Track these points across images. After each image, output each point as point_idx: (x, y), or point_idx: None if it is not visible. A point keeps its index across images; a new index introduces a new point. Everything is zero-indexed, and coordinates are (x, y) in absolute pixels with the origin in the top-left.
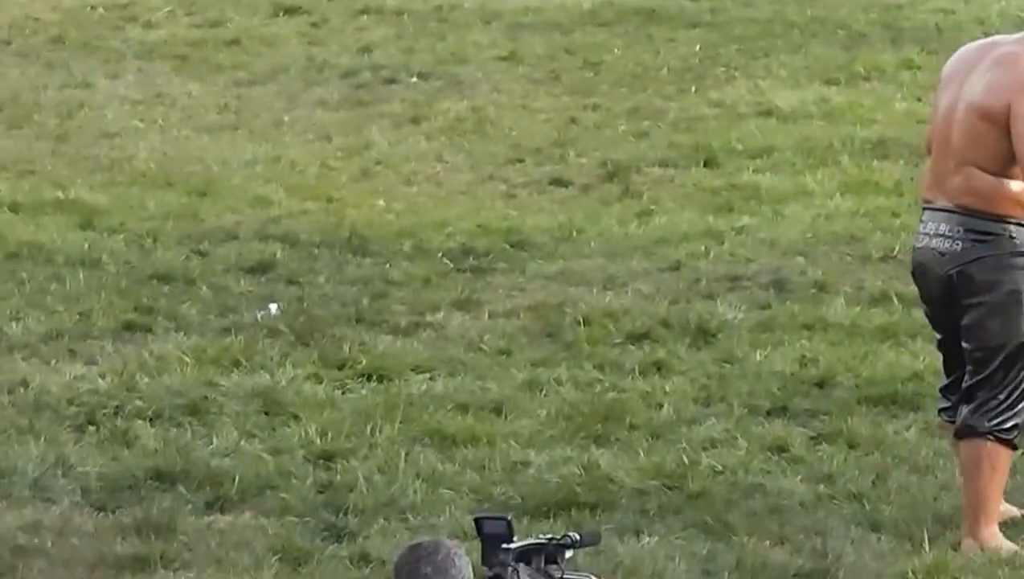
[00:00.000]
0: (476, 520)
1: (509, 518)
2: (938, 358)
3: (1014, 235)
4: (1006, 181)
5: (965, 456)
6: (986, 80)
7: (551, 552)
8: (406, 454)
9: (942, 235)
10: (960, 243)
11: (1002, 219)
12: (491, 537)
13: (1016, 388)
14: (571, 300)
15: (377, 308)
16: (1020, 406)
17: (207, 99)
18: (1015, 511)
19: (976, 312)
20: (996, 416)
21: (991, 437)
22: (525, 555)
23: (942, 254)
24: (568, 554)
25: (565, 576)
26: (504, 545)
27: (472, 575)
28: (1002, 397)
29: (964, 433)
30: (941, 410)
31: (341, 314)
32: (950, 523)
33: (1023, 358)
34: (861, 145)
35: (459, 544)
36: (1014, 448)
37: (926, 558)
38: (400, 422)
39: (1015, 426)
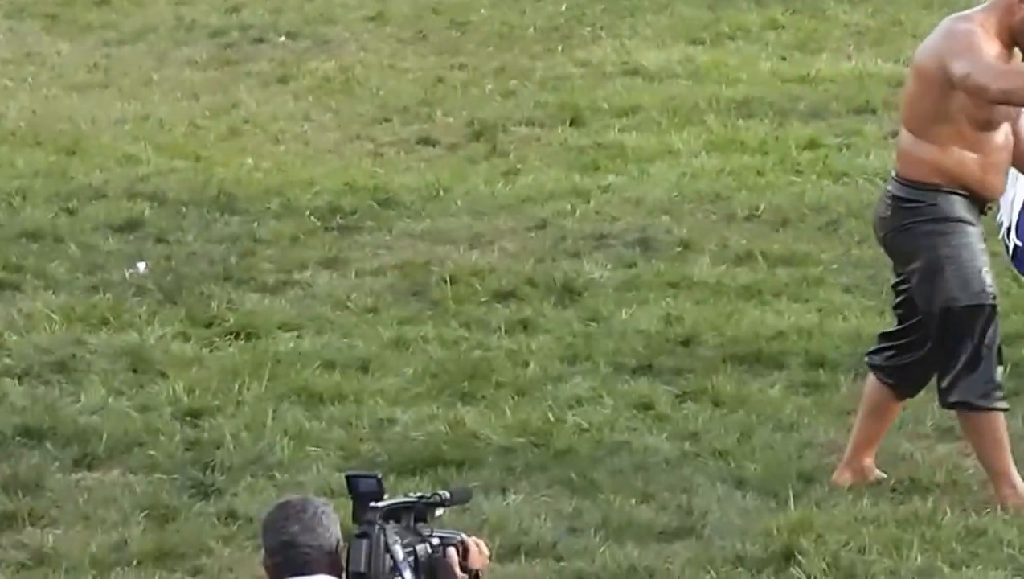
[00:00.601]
0: (347, 478)
1: (379, 476)
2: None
3: (934, 202)
4: (927, 145)
5: (963, 428)
6: (927, 43)
7: (420, 510)
8: (273, 412)
9: (882, 199)
10: (889, 209)
11: (923, 186)
12: (361, 495)
13: (973, 352)
14: (438, 258)
15: (245, 266)
16: (983, 369)
17: (77, 58)
18: (880, 474)
19: (911, 279)
20: (975, 386)
21: (979, 409)
22: (395, 513)
23: (880, 218)
24: (438, 512)
25: (434, 534)
26: (373, 503)
27: (339, 533)
28: (961, 362)
29: (953, 405)
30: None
31: (209, 272)
32: (813, 480)
33: (961, 322)
34: (726, 104)
35: (327, 502)
36: (1003, 409)
37: (791, 514)
38: (267, 380)
39: (996, 389)
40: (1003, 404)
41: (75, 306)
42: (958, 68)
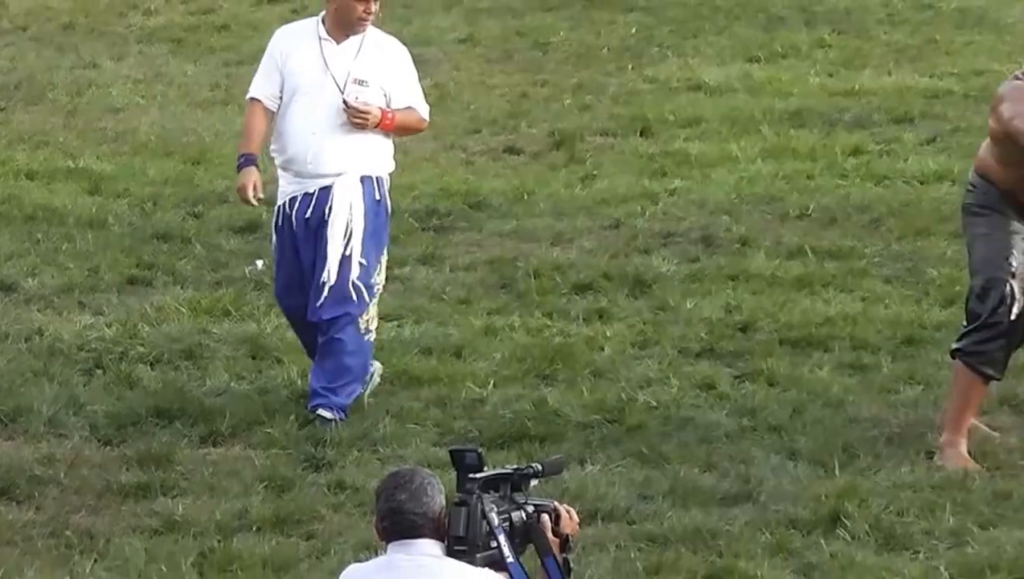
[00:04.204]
0: (451, 452)
1: (480, 451)
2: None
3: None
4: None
5: (953, 378)
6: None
7: (516, 481)
8: (377, 394)
9: None
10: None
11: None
12: (463, 467)
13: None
14: (523, 255)
15: None
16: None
17: (201, 78)
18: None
19: None
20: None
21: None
22: (493, 483)
23: None
24: (533, 483)
25: (529, 502)
26: (473, 475)
27: (443, 501)
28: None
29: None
30: None
31: None
32: (858, 452)
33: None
34: (780, 115)
35: (432, 474)
36: (984, 378)
37: (838, 482)
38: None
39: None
40: (988, 370)
41: (201, 300)
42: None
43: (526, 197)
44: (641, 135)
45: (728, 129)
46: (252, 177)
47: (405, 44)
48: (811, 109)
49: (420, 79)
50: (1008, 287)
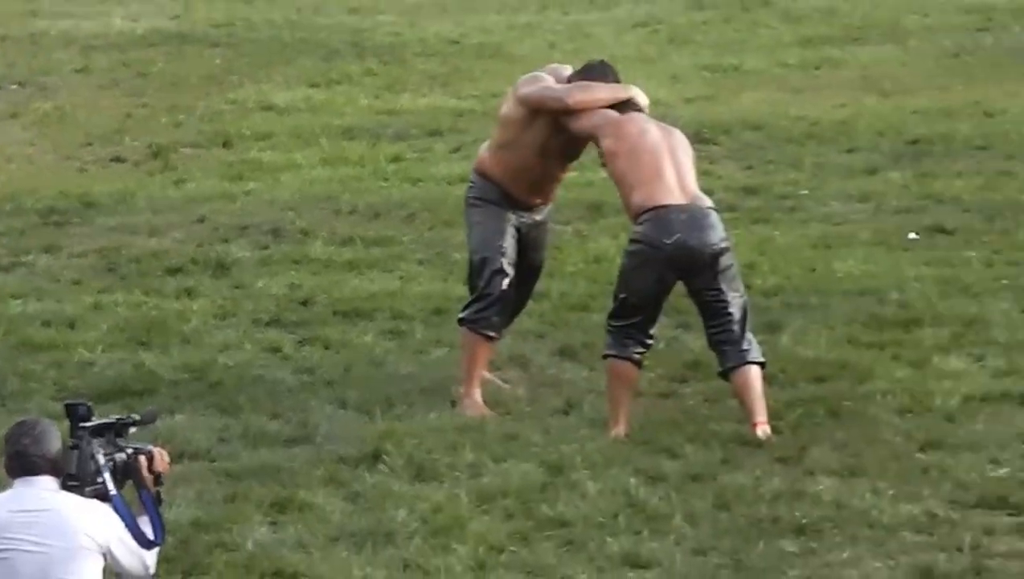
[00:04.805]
0: (65, 405)
1: (89, 404)
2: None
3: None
4: None
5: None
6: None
7: (119, 428)
8: (5, 358)
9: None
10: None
11: None
12: (75, 417)
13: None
14: (126, 245)
15: None
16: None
17: None
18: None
19: None
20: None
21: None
22: (99, 431)
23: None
24: (132, 430)
25: (129, 446)
26: (83, 424)
27: (60, 445)
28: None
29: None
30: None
31: None
32: (396, 402)
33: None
34: (335, 130)
35: (52, 422)
36: (487, 339)
37: (380, 426)
38: (2, 335)
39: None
40: (488, 332)
41: None
42: None
43: (129, 198)
44: (223, 147)
45: (294, 142)
46: None
47: (32, 73)
48: (360, 125)
49: (43, 102)
50: (500, 264)
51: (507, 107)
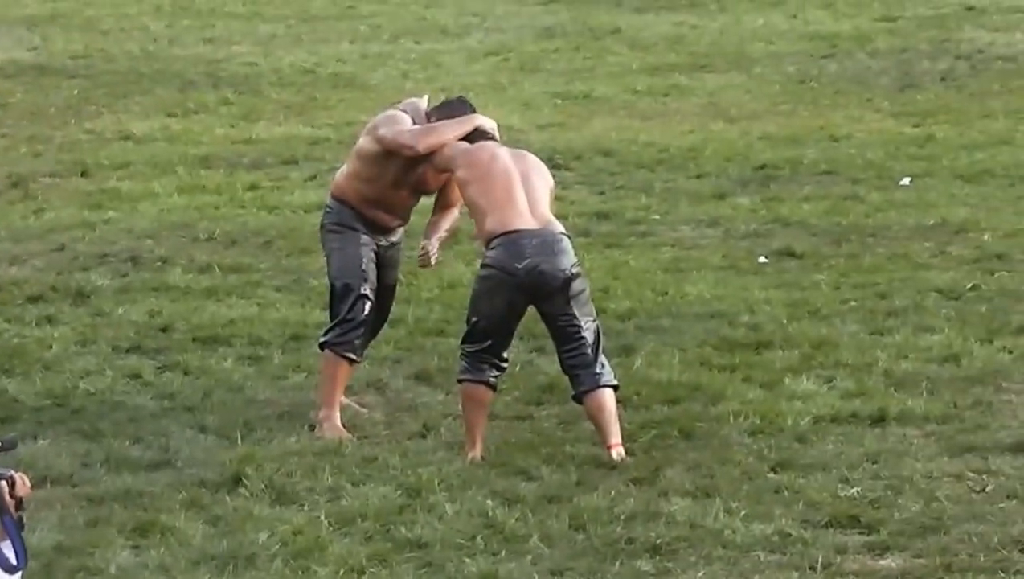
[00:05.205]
0: None
1: None
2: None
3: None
4: None
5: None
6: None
7: None
8: None
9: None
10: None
11: None
12: None
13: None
14: None
15: None
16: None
17: None
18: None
19: None
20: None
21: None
22: None
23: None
24: None
25: None
26: None
27: None
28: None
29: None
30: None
31: None
32: (256, 426)
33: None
34: (192, 159)
35: None
36: (348, 361)
37: (240, 450)
38: None
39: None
40: (351, 355)
41: None
42: None
43: None
44: (82, 176)
45: (151, 170)
46: None
47: None
48: (217, 154)
49: None
50: (363, 289)
51: (364, 141)
